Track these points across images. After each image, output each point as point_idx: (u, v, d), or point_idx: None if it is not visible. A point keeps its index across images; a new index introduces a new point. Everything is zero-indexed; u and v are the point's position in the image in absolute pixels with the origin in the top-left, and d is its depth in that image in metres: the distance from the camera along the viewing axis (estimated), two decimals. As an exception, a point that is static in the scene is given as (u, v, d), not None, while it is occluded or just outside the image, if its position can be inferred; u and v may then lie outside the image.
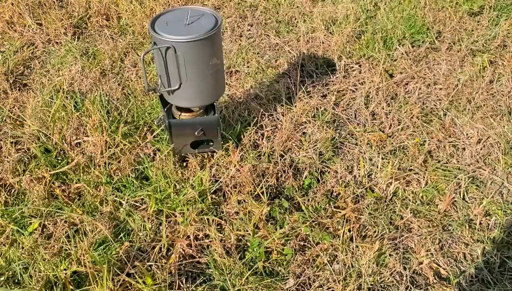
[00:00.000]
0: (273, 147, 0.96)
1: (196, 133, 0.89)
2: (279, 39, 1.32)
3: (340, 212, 0.83)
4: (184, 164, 0.93)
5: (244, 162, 0.93)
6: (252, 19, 1.39)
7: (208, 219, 0.82)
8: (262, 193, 0.85)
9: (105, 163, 0.92)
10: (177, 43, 0.78)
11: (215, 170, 0.92)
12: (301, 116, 1.04)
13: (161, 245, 0.78)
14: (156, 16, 0.84)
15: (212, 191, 0.87)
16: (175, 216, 0.83)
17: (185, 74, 0.82)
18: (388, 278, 0.76)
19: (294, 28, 1.37)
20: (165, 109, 0.90)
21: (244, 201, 0.85)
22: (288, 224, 0.82)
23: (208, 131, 0.90)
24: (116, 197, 0.86)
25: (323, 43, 1.30)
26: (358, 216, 0.83)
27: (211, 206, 0.85)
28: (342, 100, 1.11)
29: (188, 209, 0.82)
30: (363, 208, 0.85)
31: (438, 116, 1.07)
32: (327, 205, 0.85)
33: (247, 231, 0.81)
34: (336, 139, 1.00)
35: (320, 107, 1.08)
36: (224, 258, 0.76)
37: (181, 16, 0.83)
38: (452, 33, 1.32)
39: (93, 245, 0.77)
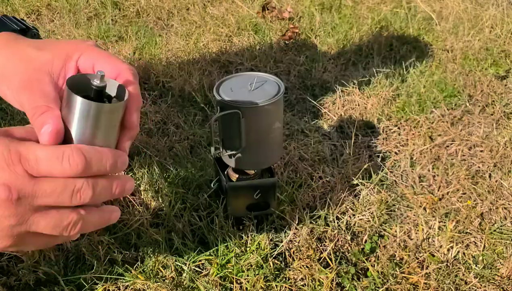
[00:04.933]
0: (327, 209, 0.96)
1: (254, 195, 0.89)
2: (315, 102, 1.35)
3: (410, 278, 0.82)
4: (241, 227, 0.92)
5: (300, 225, 0.92)
6: (287, 82, 1.43)
7: (276, 285, 0.80)
8: (330, 258, 0.84)
9: (162, 224, 0.91)
10: (244, 108, 0.80)
11: (272, 233, 0.91)
12: (352, 178, 1.04)
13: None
14: (219, 83, 0.86)
15: (273, 256, 0.86)
16: (240, 282, 0.81)
17: (248, 138, 0.83)
18: None
19: (328, 92, 1.40)
20: (225, 173, 0.90)
21: (307, 266, 0.84)
22: None
23: (265, 193, 0.90)
24: (176, 261, 0.84)
25: (359, 105, 1.33)
26: (427, 282, 0.82)
27: (273, 271, 0.84)
28: (387, 161, 1.12)
29: (253, 275, 0.81)
30: (429, 273, 0.84)
31: (484, 178, 1.08)
32: (394, 270, 0.84)
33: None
34: (389, 202, 1.00)
35: (367, 169, 1.08)
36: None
37: (243, 82, 0.85)
38: (483, 96, 1.36)
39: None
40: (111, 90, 0.46)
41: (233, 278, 0.82)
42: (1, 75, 0.49)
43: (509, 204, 1.01)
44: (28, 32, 0.57)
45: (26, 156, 0.39)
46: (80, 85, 0.44)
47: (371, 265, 0.85)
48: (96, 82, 0.43)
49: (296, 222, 0.92)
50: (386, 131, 1.23)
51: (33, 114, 0.43)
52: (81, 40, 0.49)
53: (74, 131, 0.43)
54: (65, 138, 0.43)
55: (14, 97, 0.47)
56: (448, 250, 0.90)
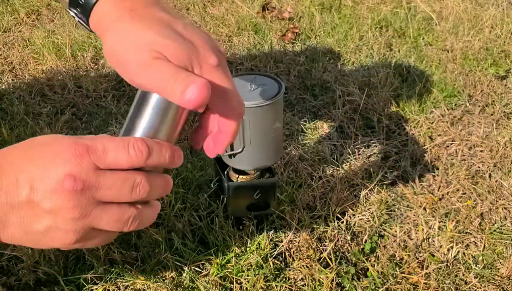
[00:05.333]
0: (328, 209, 0.96)
1: (254, 195, 0.89)
2: (315, 102, 1.35)
3: (410, 278, 0.82)
4: (241, 227, 0.92)
5: (300, 225, 0.92)
6: (287, 82, 1.43)
7: (276, 285, 0.80)
8: (330, 258, 0.84)
9: (162, 224, 0.91)
10: (245, 108, 0.80)
11: (272, 233, 0.91)
12: (352, 178, 1.04)
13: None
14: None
15: (273, 256, 0.86)
16: (240, 282, 0.81)
17: (249, 138, 0.83)
18: None
19: (328, 92, 1.40)
20: (225, 173, 0.90)
21: (307, 266, 0.84)
22: None
23: (266, 193, 0.90)
24: (176, 261, 0.84)
25: (359, 105, 1.32)
26: (427, 282, 0.82)
27: (273, 271, 0.84)
28: (387, 162, 1.12)
29: (253, 275, 0.81)
30: (429, 273, 0.84)
31: (484, 178, 1.08)
32: (394, 270, 0.84)
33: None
34: (389, 202, 1.00)
35: (367, 169, 1.08)
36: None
37: (243, 82, 0.85)
38: (483, 96, 1.36)
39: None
40: None
41: (233, 278, 0.82)
42: (113, 53, 0.46)
43: (509, 204, 1.01)
44: None
45: (93, 146, 0.41)
46: None
47: (371, 265, 0.85)
48: None
49: (296, 222, 0.92)
50: (386, 131, 1.23)
51: (176, 79, 0.43)
52: (211, 45, 0.47)
53: (141, 124, 0.46)
54: (131, 132, 0.47)
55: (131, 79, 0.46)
56: (448, 250, 0.90)
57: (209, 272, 0.83)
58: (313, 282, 0.82)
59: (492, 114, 1.29)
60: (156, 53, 0.44)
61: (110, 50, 0.47)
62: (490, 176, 1.09)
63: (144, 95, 0.47)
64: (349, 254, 0.88)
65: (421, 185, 1.06)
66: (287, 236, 0.90)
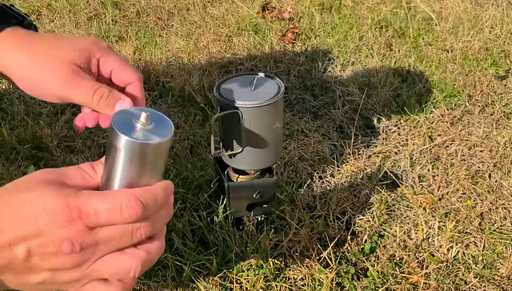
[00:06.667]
0: (327, 209, 0.96)
1: (254, 195, 0.89)
2: (315, 102, 1.36)
3: (409, 278, 0.82)
4: (241, 227, 0.92)
5: (300, 225, 0.92)
6: (287, 82, 1.44)
7: (276, 285, 0.80)
8: (330, 258, 0.84)
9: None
10: (244, 109, 0.80)
11: (272, 233, 0.91)
12: (352, 178, 1.04)
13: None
14: (219, 83, 0.86)
15: (273, 255, 0.86)
16: (240, 282, 0.81)
17: (249, 138, 0.83)
18: None
19: (328, 92, 1.40)
20: (225, 173, 0.90)
21: (307, 266, 0.84)
22: None
23: (265, 193, 0.90)
24: (177, 261, 0.84)
25: (359, 105, 1.33)
26: (426, 281, 0.82)
27: (273, 271, 0.84)
28: (387, 161, 1.12)
29: (254, 274, 0.81)
30: (429, 273, 0.84)
31: (484, 178, 1.08)
32: (394, 270, 0.84)
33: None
34: (389, 202, 1.00)
35: (367, 169, 1.08)
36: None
37: (243, 82, 0.85)
38: (483, 96, 1.37)
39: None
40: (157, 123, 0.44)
41: (233, 278, 0.82)
42: (28, 77, 0.54)
43: (508, 204, 1.01)
44: (24, 21, 0.59)
45: (85, 211, 0.40)
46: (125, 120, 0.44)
47: (371, 265, 0.86)
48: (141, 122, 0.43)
49: (296, 222, 0.92)
50: (386, 131, 1.23)
51: (98, 99, 0.53)
52: (95, 38, 0.57)
53: (120, 172, 0.43)
54: (112, 177, 0.43)
55: (54, 94, 0.54)
56: (448, 250, 0.90)
57: (209, 272, 0.84)
58: (313, 282, 0.82)
59: (492, 114, 1.30)
60: (73, 66, 0.52)
61: (25, 72, 0.54)
62: (490, 176, 1.09)
63: (115, 139, 0.42)
64: (349, 254, 0.88)
65: (421, 185, 1.06)
66: (287, 236, 0.90)
